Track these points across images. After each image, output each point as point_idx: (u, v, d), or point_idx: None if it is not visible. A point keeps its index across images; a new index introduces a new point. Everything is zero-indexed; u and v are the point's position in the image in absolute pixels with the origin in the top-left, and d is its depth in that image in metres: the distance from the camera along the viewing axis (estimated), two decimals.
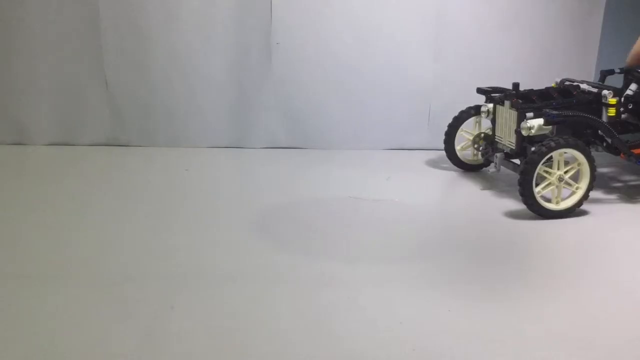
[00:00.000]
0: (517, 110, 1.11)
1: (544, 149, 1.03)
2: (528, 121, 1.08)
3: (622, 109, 1.17)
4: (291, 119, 1.53)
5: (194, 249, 0.95)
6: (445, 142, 1.33)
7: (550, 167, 1.07)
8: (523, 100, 1.14)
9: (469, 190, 1.24)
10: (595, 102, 1.13)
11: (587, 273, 0.91)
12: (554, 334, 0.74)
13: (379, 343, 0.71)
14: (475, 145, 1.31)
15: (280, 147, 1.55)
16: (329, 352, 0.69)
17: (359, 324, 0.75)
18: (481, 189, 1.21)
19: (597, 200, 1.17)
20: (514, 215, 1.10)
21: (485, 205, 1.15)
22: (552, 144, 1.03)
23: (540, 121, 1.07)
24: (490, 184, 1.27)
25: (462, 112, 1.31)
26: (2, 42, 1.48)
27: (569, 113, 1.08)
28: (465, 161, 1.36)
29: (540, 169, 1.04)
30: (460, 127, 1.32)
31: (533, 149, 1.05)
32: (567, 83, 1.19)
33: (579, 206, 1.10)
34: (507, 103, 1.15)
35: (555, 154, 1.05)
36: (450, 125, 1.32)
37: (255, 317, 0.76)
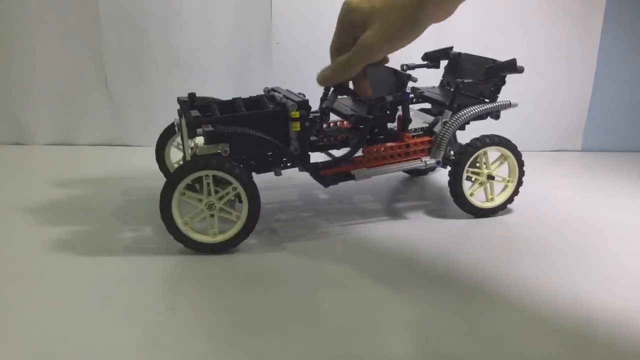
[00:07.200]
0: (187, 124, 0.94)
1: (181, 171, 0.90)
2: (192, 138, 0.92)
3: (324, 122, 1.06)
4: None
5: None
6: (157, 160, 1.16)
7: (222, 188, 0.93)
8: (202, 111, 0.97)
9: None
10: (283, 116, 0.97)
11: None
12: (554, 331, 0.75)
13: None
14: None
15: None
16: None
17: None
18: None
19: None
20: None
21: None
22: (189, 166, 0.89)
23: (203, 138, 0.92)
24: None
25: (166, 129, 1.16)
26: (2, 42, 1.48)
27: (229, 129, 0.92)
28: None
29: (184, 194, 0.91)
30: (172, 142, 1.16)
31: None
32: (271, 93, 1.04)
33: None
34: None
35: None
36: (157, 144, 1.16)
37: None
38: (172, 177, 0.90)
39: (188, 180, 0.90)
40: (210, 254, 0.94)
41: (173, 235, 0.93)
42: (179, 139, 1.15)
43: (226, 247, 0.95)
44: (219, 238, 0.94)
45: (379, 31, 0.70)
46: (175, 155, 1.18)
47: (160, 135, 1.16)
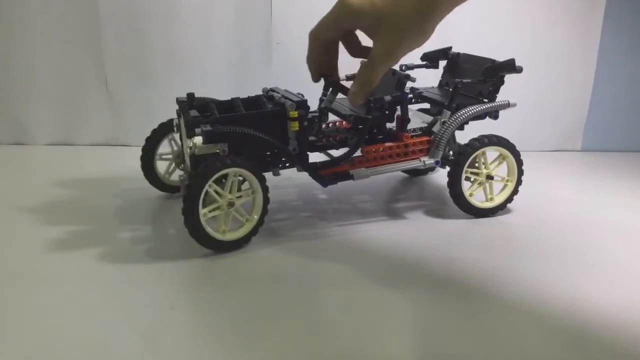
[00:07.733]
0: (186, 124, 0.94)
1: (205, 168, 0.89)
2: (191, 138, 0.92)
3: (322, 122, 1.06)
4: None
5: None
6: (143, 168, 1.14)
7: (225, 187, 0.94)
8: (201, 111, 0.98)
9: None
10: (281, 115, 0.98)
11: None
12: (554, 332, 0.74)
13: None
14: (181, 167, 1.14)
15: None
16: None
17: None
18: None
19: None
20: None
21: None
22: (218, 163, 0.89)
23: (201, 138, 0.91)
24: None
25: (154, 131, 1.14)
26: (2, 42, 1.48)
27: (228, 129, 0.92)
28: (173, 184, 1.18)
29: (211, 186, 0.90)
30: (157, 152, 1.14)
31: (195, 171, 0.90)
32: (269, 93, 1.04)
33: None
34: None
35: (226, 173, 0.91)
36: (143, 149, 1.13)
37: None
38: (204, 171, 0.88)
39: (218, 174, 0.90)
40: (216, 252, 0.94)
41: (190, 228, 0.90)
42: (161, 150, 1.14)
43: (234, 247, 0.95)
44: (228, 237, 0.95)
45: (393, 41, 0.72)
46: (161, 167, 1.17)
47: (147, 140, 1.13)
